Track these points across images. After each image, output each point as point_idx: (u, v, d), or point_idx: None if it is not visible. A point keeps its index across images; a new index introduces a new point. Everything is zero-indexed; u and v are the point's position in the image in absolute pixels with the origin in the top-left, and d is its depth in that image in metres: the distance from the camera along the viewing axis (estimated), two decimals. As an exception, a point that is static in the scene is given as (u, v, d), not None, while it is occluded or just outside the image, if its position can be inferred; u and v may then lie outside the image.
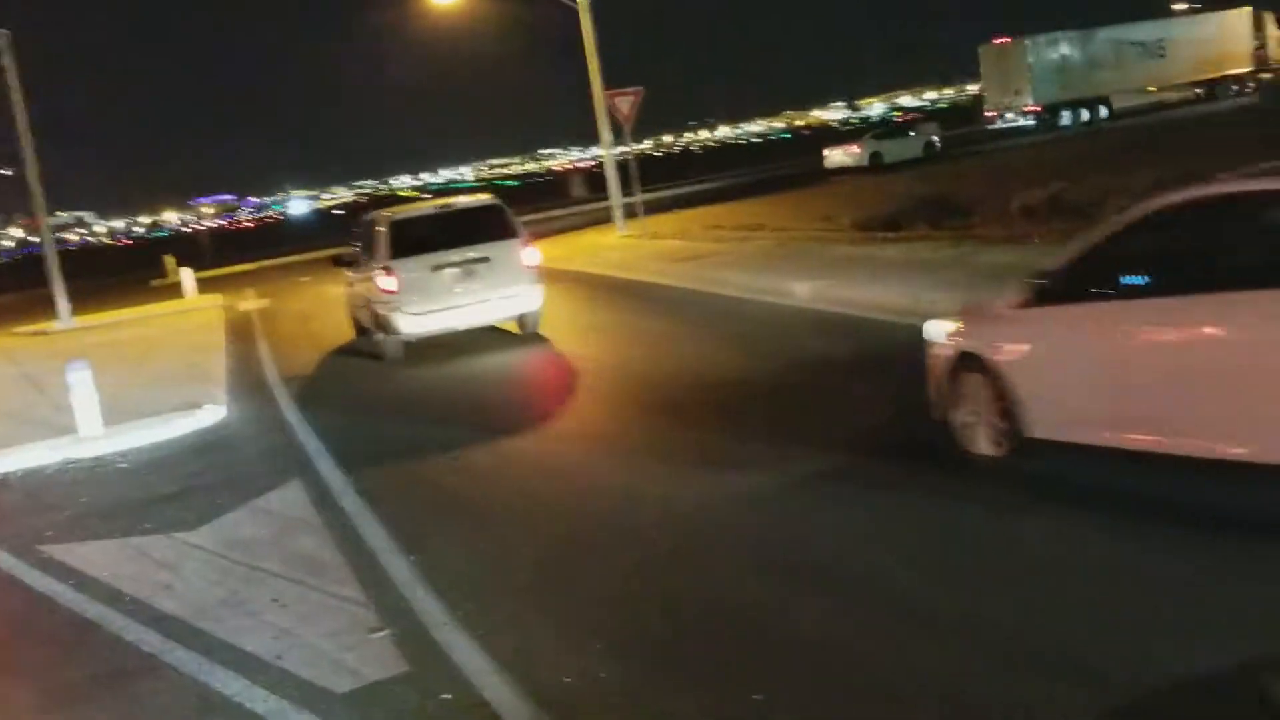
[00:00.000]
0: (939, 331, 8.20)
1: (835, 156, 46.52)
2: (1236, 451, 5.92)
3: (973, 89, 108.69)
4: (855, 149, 45.94)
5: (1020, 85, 47.94)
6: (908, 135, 47.34)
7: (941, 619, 5.60)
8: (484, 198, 17.52)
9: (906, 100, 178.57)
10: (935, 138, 46.43)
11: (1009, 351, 7.34)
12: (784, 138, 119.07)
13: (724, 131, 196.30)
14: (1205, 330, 6.09)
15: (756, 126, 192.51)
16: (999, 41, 49.42)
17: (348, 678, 5.83)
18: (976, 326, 7.79)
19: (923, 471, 7.77)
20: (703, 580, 6.59)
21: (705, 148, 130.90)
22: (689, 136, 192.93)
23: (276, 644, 6.38)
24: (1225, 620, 5.14)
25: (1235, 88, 44.87)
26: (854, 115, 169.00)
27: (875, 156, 44.39)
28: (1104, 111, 47.41)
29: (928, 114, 69.10)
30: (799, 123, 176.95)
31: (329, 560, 7.73)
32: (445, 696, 5.46)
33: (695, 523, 7.56)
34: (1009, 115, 48.33)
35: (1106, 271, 6.80)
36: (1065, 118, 46.97)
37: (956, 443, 7.84)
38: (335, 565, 7.60)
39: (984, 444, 7.60)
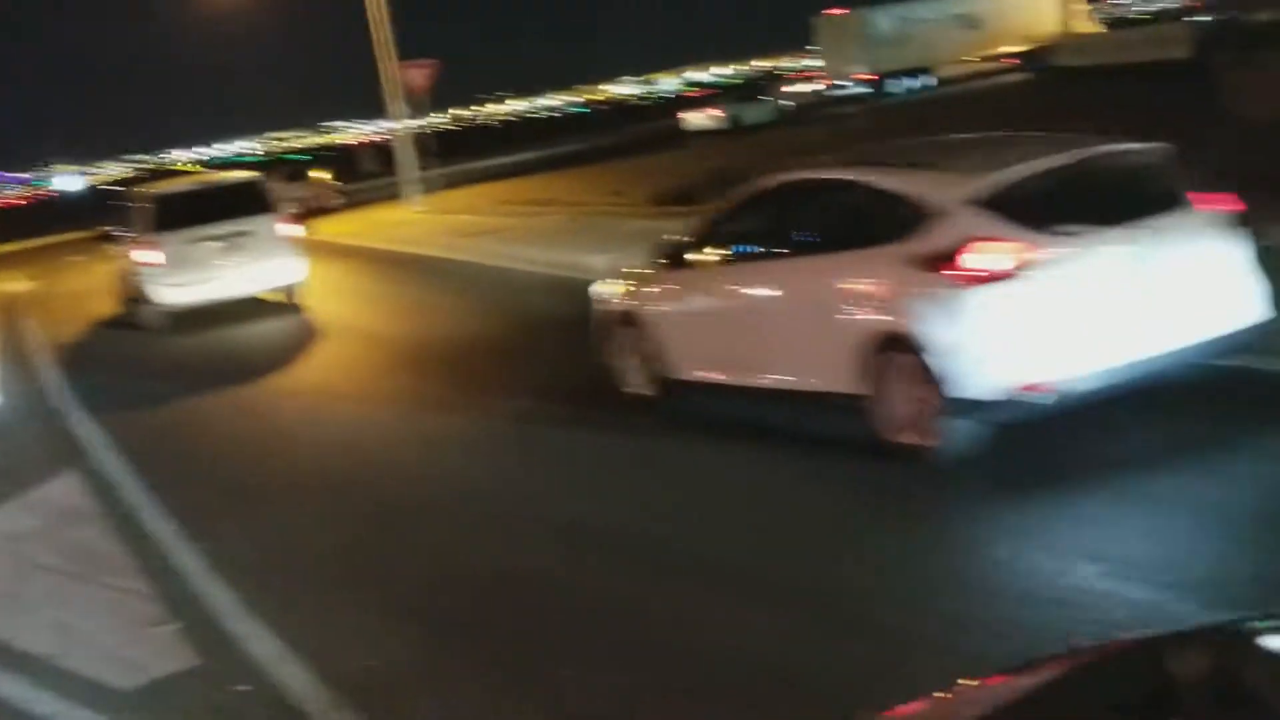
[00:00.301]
0: (604, 292, 9.52)
1: (696, 119, 48.44)
2: (814, 384, 7.35)
3: (762, 64, 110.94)
4: (717, 112, 48.14)
5: (855, 54, 50.18)
6: (762, 101, 49.45)
7: (613, 537, 6.66)
8: (246, 174, 18.03)
9: (697, 75, 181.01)
10: (788, 102, 48.49)
11: (653, 307, 8.78)
12: (581, 112, 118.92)
13: (518, 106, 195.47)
14: (770, 288, 7.73)
15: (551, 101, 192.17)
16: (835, 13, 51.59)
17: (134, 674, 5.63)
18: (632, 286, 9.13)
19: (595, 410, 9.07)
20: (461, 542, 6.85)
21: (500, 122, 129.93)
22: (480, 110, 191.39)
23: (57, 642, 6.12)
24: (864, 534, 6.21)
25: (1035, 58, 47.24)
26: (649, 90, 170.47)
27: (735, 120, 46.42)
28: (930, 80, 50.03)
29: (725, 89, 70.59)
30: (593, 97, 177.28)
31: (110, 551, 7.44)
32: (240, 688, 5.33)
33: (432, 476, 8.37)
34: (845, 82, 50.55)
35: (717, 240, 8.42)
36: (895, 85, 49.39)
37: (620, 385, 9.11)
38: (116, 556, 7.32)
39: (640, 386, 8.96)
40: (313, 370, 13.01)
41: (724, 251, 8.31)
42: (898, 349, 6.63)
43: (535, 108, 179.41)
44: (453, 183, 36.29)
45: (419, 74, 30.63)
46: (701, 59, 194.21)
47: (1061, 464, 6.43)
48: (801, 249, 7.69)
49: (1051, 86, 36.14)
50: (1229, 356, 6.82)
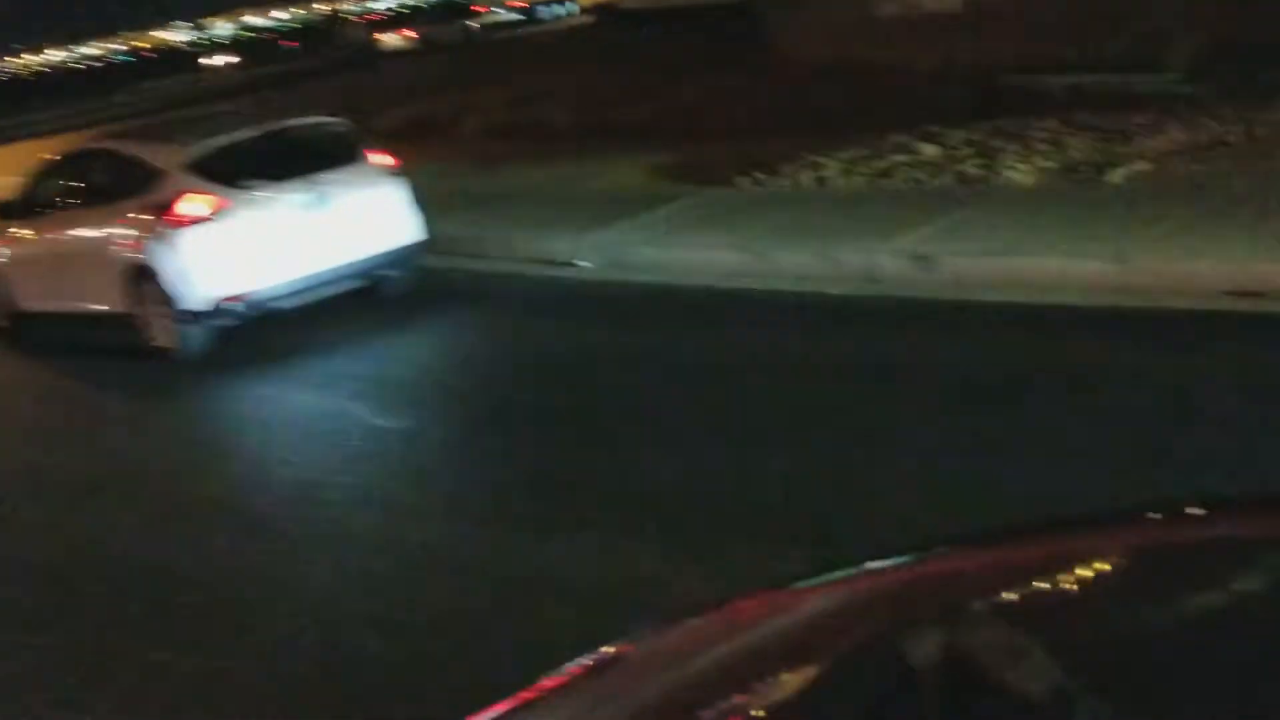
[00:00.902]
0: None
1: (392, 40, 53.04)
2: (103, 308, 9.61)
3: (321, 7, 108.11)
4: (411, 34, 52.46)
5: None
6: (452, 24, 51.87)
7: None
8: None
9: (254, 19, 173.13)
10: (474, 24, 51.17)
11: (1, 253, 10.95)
12: (126, 60, 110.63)
13: (56, 56, 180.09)
14: (66, 234, 10.05)
15: (94, 50, 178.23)
16: None
17: None
18: None
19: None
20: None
21: (38, 74, 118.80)
22: (16, 61, 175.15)
23: None
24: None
25: None
26: (201, 36, 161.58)
27: (428, 41, 49.27)
28: (573, 6, 52.91)
29: (292, 33, 69.06)
30: (140, 45, 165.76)
31: None
32: None
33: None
34: (498, 10, 53.59)
35: (35, 197, 10.62)
36: (545, 11, 52.81)
37: None
38: None
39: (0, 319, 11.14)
40: None
41: (38, 205, 10.46)
42: (145, 277, 9.00)
43: (77, 57, 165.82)
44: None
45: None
46: (260, 2, 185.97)
47: (295, 347, 9.06)
48: (84, 203, 9.96)
49: (597, 29, 38.12)
50: (394, 267, 9.62)
